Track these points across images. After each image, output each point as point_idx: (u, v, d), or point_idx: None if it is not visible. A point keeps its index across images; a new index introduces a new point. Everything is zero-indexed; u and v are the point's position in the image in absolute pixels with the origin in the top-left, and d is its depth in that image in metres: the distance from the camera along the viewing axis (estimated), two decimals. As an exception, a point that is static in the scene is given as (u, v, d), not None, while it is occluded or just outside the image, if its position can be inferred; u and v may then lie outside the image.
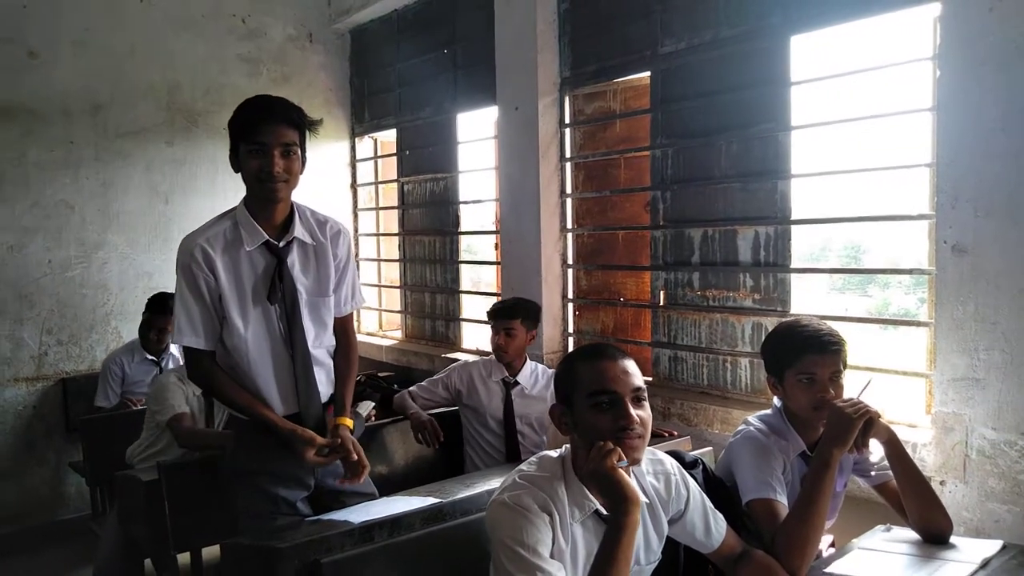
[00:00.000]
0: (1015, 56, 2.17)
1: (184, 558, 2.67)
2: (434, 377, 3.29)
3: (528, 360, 3.20)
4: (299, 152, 2.03)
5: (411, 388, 3.26)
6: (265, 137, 1.96)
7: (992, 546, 1.80)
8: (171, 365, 3.83)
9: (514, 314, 3.13)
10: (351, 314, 2.26)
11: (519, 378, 3.14)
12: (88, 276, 4.38)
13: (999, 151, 2.21)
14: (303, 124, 2.04)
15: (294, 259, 2.07)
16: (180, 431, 3.00)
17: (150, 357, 3.88)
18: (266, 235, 2.04)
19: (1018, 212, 2.19)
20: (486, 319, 3.28)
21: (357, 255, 5.34)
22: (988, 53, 2.22)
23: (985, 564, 1.71)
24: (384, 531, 1.83)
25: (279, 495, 2.05)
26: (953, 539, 1.85)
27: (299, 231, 2.08)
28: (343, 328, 2.22)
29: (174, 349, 3.86)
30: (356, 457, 2.06)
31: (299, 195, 2.13)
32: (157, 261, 4.52)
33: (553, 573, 1.45)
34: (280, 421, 2.03)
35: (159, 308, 3.69)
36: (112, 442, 3.38)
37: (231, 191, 2.09)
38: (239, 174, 2.05)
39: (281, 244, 2.06)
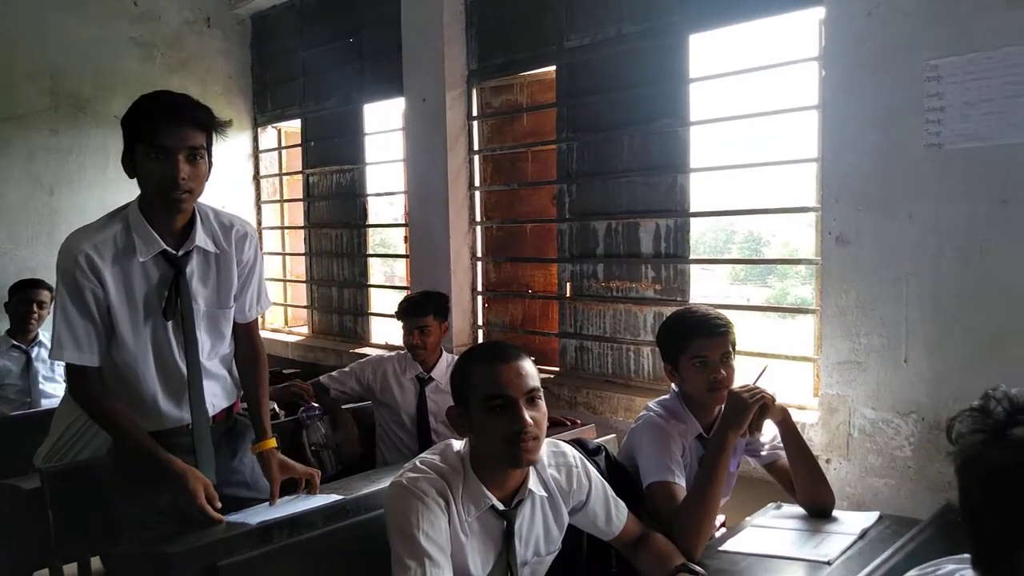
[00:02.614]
0: (891, 58, 2.31)
1: (72, 569, 2.53)
2: (347, 368, 3.15)
3: (444, 353, 3.09)
4: (206, 156, 1.78)
5: (322, 378, 3.11)
6: (169, 140, 1.72)
7: (870, 517, 1.92)
8: (42, 355, 3.63)
9: (425, 310, 3.00)
10: (256, 319, 2.08)
11: (434, 374, 3.03)
12: (-37, 273, 4.08)
13: (877, 148, 2.35)
14: (211, 125, 1.79)
15: (193, 269, 1.87)
16: None
17: (17, 344, 3.65)
18: (163, 244, 1.83)
19: (894, 206, 2.33)
20: (394, 316, 3.14)
21: (260, 249, 5.16)
22: (867, 55, 2.36)
23: (864, 534, 1.83)
24: (284, 531, 1.78)
25: (166, 507, 1.87)
26: (836, 512, 1.97)
27: (201, 239, 1.87)
28: (249, 336, 2.04)
29: (44, 337, 3.64)
30: (308, 475, 2.03)
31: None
32: (42, 256, 4.24)
33: (439, 562, 1.44)
34: (172, 461, 1.81)
35: (28, 284, 3.64)
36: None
37: (124, 183, 1.87)
38: (135, 179, 1.82)
39: (180, 253, 1.84)
